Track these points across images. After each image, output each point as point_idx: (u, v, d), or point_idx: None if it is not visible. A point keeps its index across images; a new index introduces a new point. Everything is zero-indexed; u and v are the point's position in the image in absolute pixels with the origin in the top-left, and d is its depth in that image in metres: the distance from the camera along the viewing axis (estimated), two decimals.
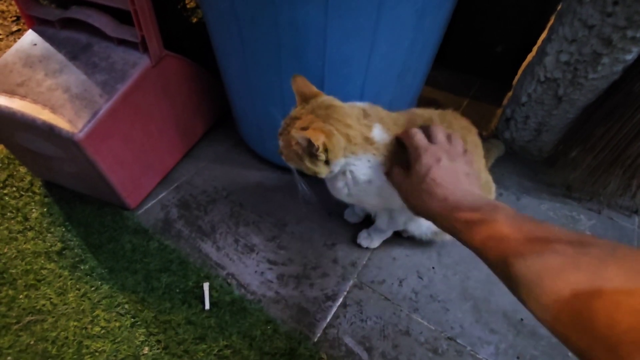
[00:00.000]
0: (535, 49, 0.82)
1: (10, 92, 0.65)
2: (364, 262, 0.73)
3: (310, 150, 0.47)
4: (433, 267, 0.72)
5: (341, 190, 0.55)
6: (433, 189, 0.40)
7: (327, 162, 0.48)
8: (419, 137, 0.46)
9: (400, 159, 0.49)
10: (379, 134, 0.49)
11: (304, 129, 0.46)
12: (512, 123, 0.89)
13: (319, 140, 0.44)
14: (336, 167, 0.50)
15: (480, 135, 0.97)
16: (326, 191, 0.60)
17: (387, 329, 0.63)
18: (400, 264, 0.72)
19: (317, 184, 0.58)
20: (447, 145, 0.45)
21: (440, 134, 0.47)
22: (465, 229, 0.36)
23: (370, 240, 0.73)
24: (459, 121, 0.57)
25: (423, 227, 0.65)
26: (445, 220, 0.39)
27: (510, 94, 0.91)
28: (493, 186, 0.65)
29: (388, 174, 0.50)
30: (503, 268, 0.31)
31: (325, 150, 0.46)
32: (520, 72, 0.89)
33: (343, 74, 0.63)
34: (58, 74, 0.67)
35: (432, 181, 0.41)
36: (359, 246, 0.74)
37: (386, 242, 0.74)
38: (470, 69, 1.18)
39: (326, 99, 0.51)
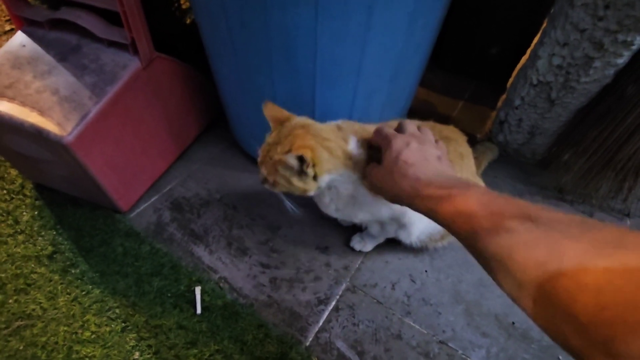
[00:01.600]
0: (529, 51, 0.82)
1: None
2: (357, 266, 0.72)
3: (301, 168, 0.48)
4: (426, 271, 0.72)
5: (329, 205, 0.58)
6: (405, 170, 0.41)
7: (314, 178, 0.50)
8: (387, 129, 0.48)
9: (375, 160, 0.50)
10: (355, 146, 0.51)
11: (288, 152, 0.48)
12: (506, 126, 0.89)
13: (308, 154, 0.46)
14: (322, 183, 0.51)
15: (475, 138, 0.98)
16: None
17: (379, 333, 0.63)
18: (393, 267, 0.72)
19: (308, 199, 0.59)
20: (417, 133, 0.47)
21: (410, 125, 0.48)
22: (435, 205, 0.36)
23: (364, 244, 0.73)
24: (440, 132, 0.58)
25: (413, 235, 0.66)
26: (418, 200, 0.39)
27: (504, 96, 0.91)
28: None
29: (366, 180, 0.51)
30: (473, 244, 0.31)
31: (313, 164, 0.48)
32: (514, 75, 0.89)
33: (334, 76, 0.63)
34: (47, 76, 0.66)
35: (404, 163, 0.42)
36: (352, 250, 0.74)
37: (379, 246, 0.74)
38: (465, 71, 1.17)
39: (300, 119, 0.53)
